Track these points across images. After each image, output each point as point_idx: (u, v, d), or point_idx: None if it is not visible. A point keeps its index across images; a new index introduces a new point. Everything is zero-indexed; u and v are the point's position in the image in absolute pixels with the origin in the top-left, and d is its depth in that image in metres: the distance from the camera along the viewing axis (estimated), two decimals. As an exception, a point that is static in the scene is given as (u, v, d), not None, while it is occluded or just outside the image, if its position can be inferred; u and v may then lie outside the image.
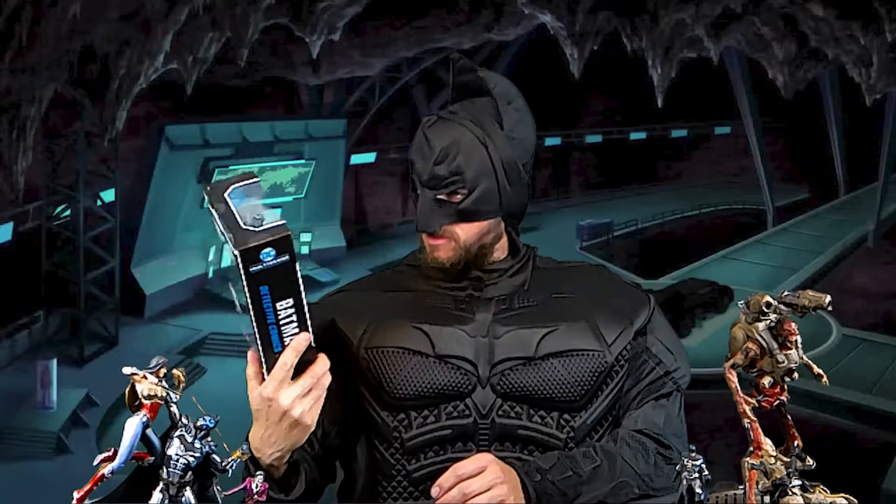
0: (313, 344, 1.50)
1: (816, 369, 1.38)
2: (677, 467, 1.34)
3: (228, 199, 1.47)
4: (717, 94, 18.05)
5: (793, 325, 1.37)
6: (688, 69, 12.26)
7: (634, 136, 21.11)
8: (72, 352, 13.92)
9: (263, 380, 1.52)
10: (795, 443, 1.37)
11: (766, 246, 18.88)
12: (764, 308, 1.36)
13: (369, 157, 18.79)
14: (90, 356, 14.06)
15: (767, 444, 1.34)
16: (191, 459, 1.34)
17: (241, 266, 1.43)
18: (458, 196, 1.74)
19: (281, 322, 1.47)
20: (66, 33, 9.48)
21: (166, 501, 1.33)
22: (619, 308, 1.80)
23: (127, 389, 1.36)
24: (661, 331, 1.83)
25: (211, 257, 16.07)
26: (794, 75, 12.21)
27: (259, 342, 1.48)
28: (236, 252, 1.43)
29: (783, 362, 1.36)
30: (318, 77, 15.11)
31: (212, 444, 1.36)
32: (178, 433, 1.35)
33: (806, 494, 1.32)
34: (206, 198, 1.51)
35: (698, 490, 1.32)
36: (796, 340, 1.36)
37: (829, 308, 1.34)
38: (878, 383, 13.53)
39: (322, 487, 1.78)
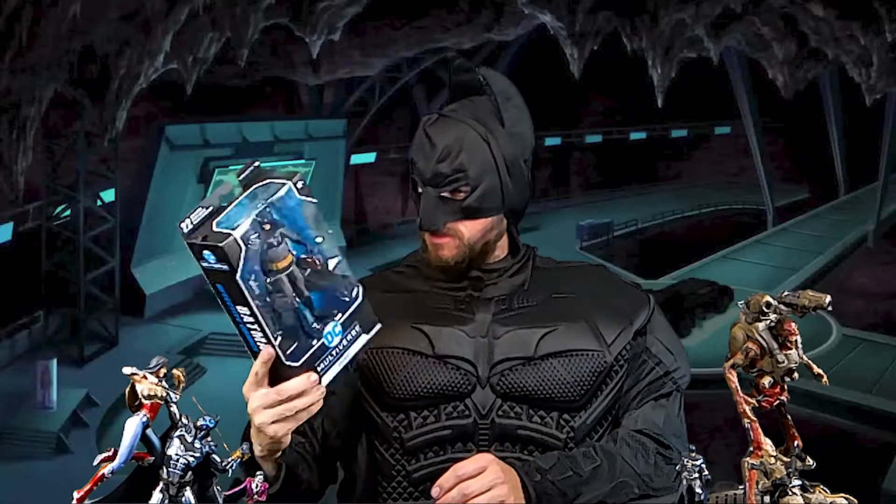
0: (286, 363, 1.47)
1: (816, 369, 1.38)
2: (677, 467, 1.34)
3: (244, 192, 1.47)
4: (717, 94, 18.06)
5: (793, 325, 1.37)
6: (688, 69, 12.26)
7: (634, 136, 21.11)
8: (72, 352, 13.92)
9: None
10: (795, 443, 1.37)
11: (766, 246, 18.88)
12: (764, 308, 1.36)
13: (369, 157, 18.80)
14: (90, 356, 14.06)
15: (767, 444, 1.34)
16: (191, 459, 1.34)
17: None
18: (462, 193, 1.74)
19: (248, 325, 1.46)
20: (66, 33, 9.48)
21: (166, 501, 1.33)
22: (619, 308, 1.80)
23: (127, 389, 1.36)
24: (661, 331, 1.83)
25: (210, 259, 16.05)
26: (794, 75, 12.21)
27: (241, 337, 1.49)
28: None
29: (783, 362, 1.36)
30: (318, 77, 15.11)
31: (212, 444, 1.36)
32: (178, 433, 1.35)
33: (806, 494, 1.32)
34: (243, 174, 1.50)
35: (698, 490, 1.32)
36: (796, 340, 1.36)
37: (829, 308, 1.34)
38: (878, 383, 13.53)
39: (323, 488, 1.78)
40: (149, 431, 1.34)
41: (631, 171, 20.96)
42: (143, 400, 1.35)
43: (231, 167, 16.24)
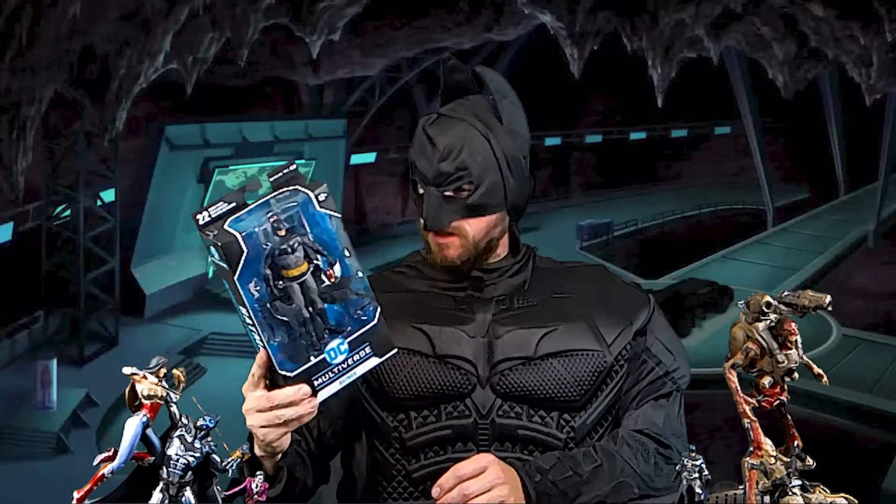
0: (279, 371, 1.46)
1: (816, 369, 1.38)
2: (677, 467, 1.34)
3: (273, 192, 1.47)
4: (717, 94, 18.04)
5: (793, 325, 1.37)
6: (688, 69, 12.25)
7: (634, 136, 21.10)
8: (72, 352, 13.91)
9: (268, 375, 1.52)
10: (795, 443, 1.37)
11: (766, 246, 18.87)
12: (764, 308, 1.36)
13: (369, 157, 18.78)
14: (90, 356, 14.05)
15: (767, 444, 1.34)
16: (191, 459, 1.34)
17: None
18: (465, 192, 1.74)
19: (248, 325, 1.46)
20: (66, 33, 9.47)
21: (166, 501, 1.33)
22: (619, 308, 1.80)
23: (127, 389, 1.36)
24: (661, 331, 1.83)
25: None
26: (794, 75, 12.20)
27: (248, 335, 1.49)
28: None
29: (783, 362, 1.36)
30: (318, 77, 15.11)
31: (212, 444, 1.36)
32: (178, 433, 1.35)
33: (806, 494, 1.32)
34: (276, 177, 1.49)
35: (698, 490, 1.32)
36: (796, 340, 1.36)
37: (829, 308, 1.34)
38: (878, 383, 13.52)
39: (314, 488, 1.78)
40: (149, 431, 1.34)
41: (631, 171, 20.94)
42: (143, 400, 1.35)
43: (231, 167, 16.25)
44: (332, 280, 1.47)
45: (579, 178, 21.39)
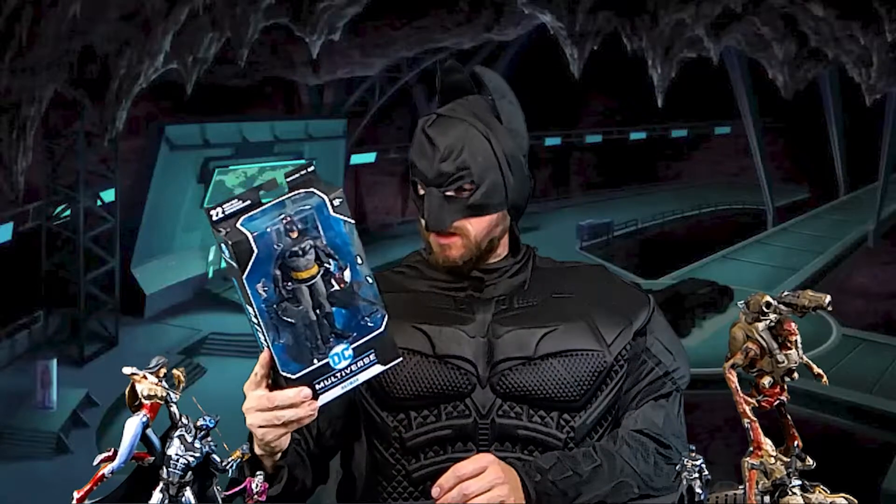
0: (282, 372, 1.46)
1: (816, 369, 1.38)
2: (677, 467, 1.34)
3: (288, 193, 1.46)
4: (717, 94, 18.03)
5: (793, 325, 1.37)
6: (688, 69, 12.25)
7: (634, 136, 21.09)
8: (72, 352, 13.91)
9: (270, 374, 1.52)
10: (795, 443, 1.37)
11: (766, 246, 18.87)
12: (764, 308, 1.36)
13: (369, 157, 18.78)
14: (90, 356, 14.05)
15: (767, 444, 1.34)
16: (191, 459, 1.34)
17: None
18: (466, 191, 1.74)
19: (254, 324, 1.46)
20: (66, 33, 9.47)
21: (166, 501, 1.33)
22: (619, 308, 1.80)
23: (127, 389, 1.36)
24: (661, 331, 1.83)
25: (211, 257, 16.07)
26: (794, 75, 12.20)
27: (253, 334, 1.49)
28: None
29: (783, 362, 1.36)
30: (318, 77, 15.10)
31: (212, 444, 1.36)
32: (178, 433, 1.35)
33: (806, 494, 1.32)
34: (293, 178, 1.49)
35: (698, 490, 1.32)
36: (796, 340, 1.36)
37: (829, 308, 1.34)
38: (878, 383, 13.52)
39: (313, 488, 1.78)
40: (149, 431, 1.34)
41: (631, 171, 20.93)
42: (143, 400, 1.35)
43: (231, 167, 16.25)
44: (342, 285, 1.47)
45: (579, 178, 21.38)
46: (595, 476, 1.70)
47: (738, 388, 1.34)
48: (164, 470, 1.33)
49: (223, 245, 1.43)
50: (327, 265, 1.46)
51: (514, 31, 14.02)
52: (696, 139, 21.55)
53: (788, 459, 1.34)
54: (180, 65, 10.64)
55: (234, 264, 1.42)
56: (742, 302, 1.39)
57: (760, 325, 1.36)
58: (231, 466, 1.38)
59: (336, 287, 1.47)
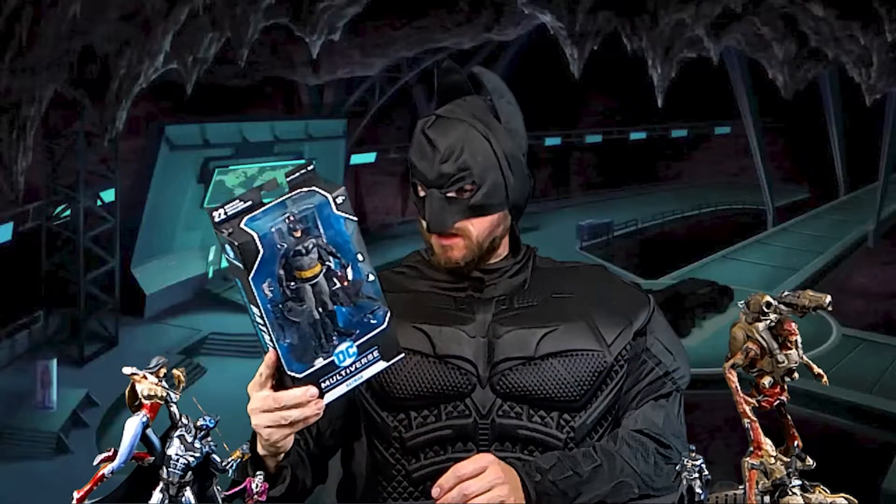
0: (288, 372, 1.46)
1: (816, 369, 1.38)
2: (677, 467, 1.34)
3: (289, 193, 1.46)
4: (717, 94, 18.03)
5: (793, 325, 1.37)
6: (688, 69, 12.25)
7: (634, 136, 21.09)
8: (72, 352, 13.91)
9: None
10: (795, 443, 1.37)
11: (766, 246, 18.87)
12: (764, 308, 1.36)
13: (369, 157, 18.78)
14: (90, 356, 14.05)
15: (767, 444, 1.34)
16: (191, 459, 1.34)
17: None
18: (467, 192, 1.74)
19: (259, 325, 1.46)
20: (66, 33, 9.47)
21: (166, 501, 1.33)
22: (619, 308, 1.81)
23: (127, 389, 1.36)
24: (661, 331, 1.83)
25: (211, 257, 16.07)
26: (794, 75, 12.20)
27: (257, 335, 1.49)
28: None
29: (783, 362, 1.36)
30: (318, 77, 15.10)
31: (212, 444, 1.36)
32: (178, 433, 1.35)
33: (806, 494, 1.31)
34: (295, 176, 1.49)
35: (698, 490, 1.32)
36: (796, 340, 1.36)
37: (829, 308, 1.34)
38: (878, 383, 13.52)
39: (312, 488, 1.78)
40: (149, 431, 1.34)
41: (631, 171, 20.93)
42: (143, 400, 1.35)
43: (231, 167, 16.25)
44: (345, 283, 1.47)
45: (579, 178, 21.38)
46: (595, 476, 1.70)
47: (738, 388, 1.34)
48: (164, 470, 1.33)
49: (227, 246, 1.43)
50: (329, 263, 1.46)
51: (514, 31, 14.01)
52: (696, 139, 21.54)
53: (788, 459, 1.34)
54: (180, 65, 10.64)
55: (240, 265, 1.42)
56: (742, 302, 1.39)
57: (760, 325, 1.36)
58: (231, 466, 1.38)
59: (339, 285, 1.47)
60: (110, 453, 1.34)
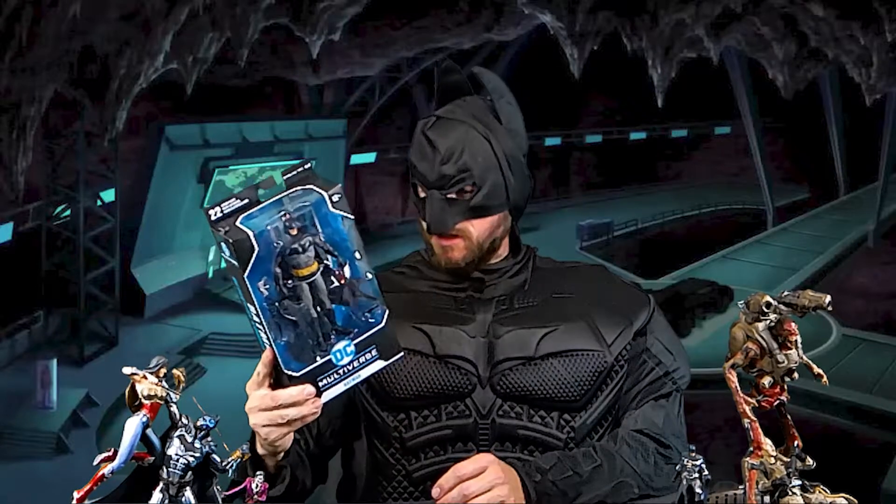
0: (285, 371, 1.46)
1: (816, 369, 1.38)
2: (677, 467, 1.34)
3: (286, 191, 1.46)
4: (717, 94, 18.03)
5: (793, 325, 1.37)
6: (688, 69, 12.25)
7: (634, 136, 21.08)
8: (72, 352, 13.91)
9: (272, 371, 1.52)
10: (795, 443, 1.37)
11: (766, 246, 18.86)
12: (764, 308, 1.36)
13: (369, 157, 18.78)
14: (90, 356, 14.05)
15: (767, 444, 1.34)
16: (191, 459, 1.34)
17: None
18: (468, 193, 1.74)
19: (255, 323, 1.46)
20: (66, 33, 9.47)
21: (166, 501, 1.33)
22: (619, 308, 1.81)
23: (127, 389, 1.36)
24: (661, 331, 1.83)
25: (211, 257, 16.07)
26: (794, 75, 12.20)
27: (254, 333, 1.49)
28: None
29: (783, 362, 1.36)
30: (318, 77, 15.10)
31: (212, 444, 1.36)
32: (178, 433, 1.35)
33: (806, 494, 1.32)
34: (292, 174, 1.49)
35: (698, 490, 1.32)
36: (796, 340, 1.36)
37: (829, 308, 1.34)
38: (878, 383, 13.52)
39: (312, 488, 1.77)
40: (149, 431, 1.34)
41: (631, 171, 20.93)
42: (143, 400, 1.35)
43: (231, 167, 16.25)
44: (342, 281, 1.47)
45: (579, 178, 21.38)
46: (595, 476, 1.70)
47: (738, 388, 1.34)
48: (164, 470, 1.33)
49: (223, 244, 1.42)
50: (327, 262, 1.46)
51: (514, 31, 14.01)
52: (696, 139, 21.54)
53: (788, 459, 1.34)
54: (180, 65, 10.64)
55: (235, 263, 1.42)
56: (742, 302, 1.39)
57: (760, 325, 1.36)
58: (231, 466, 1.38)
59: (336, 283, 1.46)
60: (110, 453, 1.34)
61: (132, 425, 1.33)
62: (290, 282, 1.43)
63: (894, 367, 14.08)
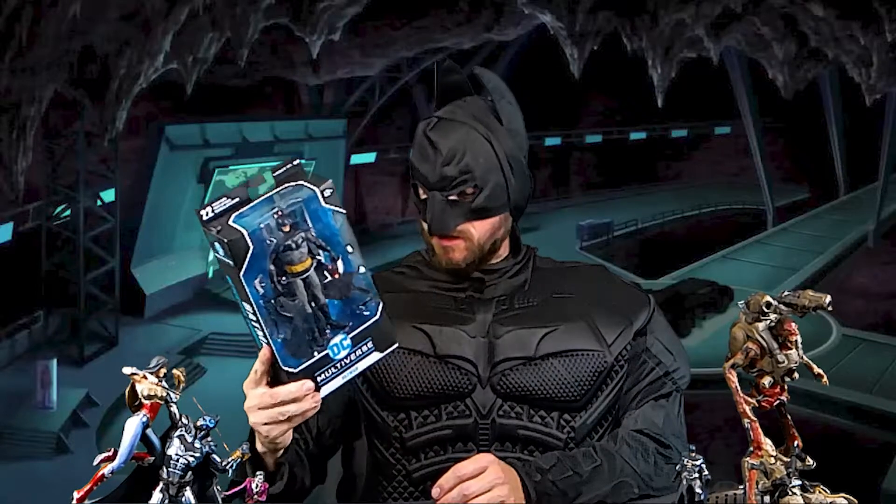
0: (283, 367, 1.47)
1: (816, 369, 1.38)
2: (677, 467, 1.34)
3: (276, 188, 1.46)
4: (717, 94, 18.03)
5: (793, 325, 1.37)
6: (688, 69, 12.25)
7: (634, 136, 21.08)
8: (72, 352, 13.91)
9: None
10: (795, 443, 1.37)
11: (766, 246, 18.86)
12: (764, 308, 1.36)
13: (369, 157, 18.78)
14: (90, 356, 14.05)
15: (767, 444, 1.34)
16: (191, 459, 1.34)
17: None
18: (469, 194, 1.74)
19: (251, 322, 1.46)
20: (66, 33, 9.47)
21: (166, 501, 1.33)
22: (619, 308, 1.81)
23: (127, 389, 1.36)
24: (661, 331, 1.83)
25: (211, 257, 16.06)
26: (794, 75, 12.20)
27: (249, 332, 1.49)
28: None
29: (783, 362, 1.36)
30: (318, 77, 15.10)
31: (212, 444, 1.36)
32: (178, 433, 1.35)
33: (806, 494, 1.31)
34: (280, 171, 1.49)
35: (698, 490, 1.32)
36: (796, 340, 1.36)
37: (829, 308, 1.34)
38: (878, 383, 13.52)
39: (311, 488, 1.77)
40: (149, 431, 1.34)
41: (631, 171, 20.93)
42: (143, 400, 1.35)
43: (231, 167, 16.25)
44: (335, 276, 1.47)
45: (579, 178, 21.38)
46: (595, 476, 1.70)
47: (738, 388, 1.34)
48: (164, 470, 1.33)
49: (217, 244, 1.42)
50: (319, 257, 1.46)
51: (514, 31, 14.01)
52: (696, 139, 21.54)
53: (788, 459, 1.34)
54: (180, 65, 10.64)
55: (231, 262, 1.42)
56: (742, 302, 1.39)
57: (760, 325, 1.36)
58: (231, 466, 1.38)
59: (330, 278, 1.47)
60: (110, 453, 1.34)
61: (132, 425, 1.33)
62: (284, 279, 1.44)
63: (894, 367, 14.08)
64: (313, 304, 1.46)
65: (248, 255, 1.41)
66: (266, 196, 1.46)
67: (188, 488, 1.34)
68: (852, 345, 14.64)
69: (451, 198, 1.74)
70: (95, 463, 1.34)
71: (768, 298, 1.36)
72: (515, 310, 1.77)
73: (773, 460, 1.33)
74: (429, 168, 1.74)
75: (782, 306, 1.36)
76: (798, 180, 20.30)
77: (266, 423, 1.50)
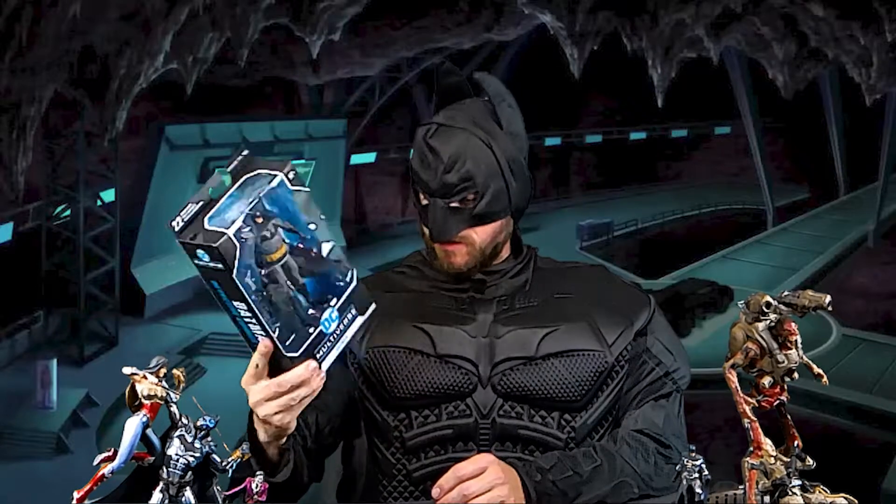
0: (286, 354, 1.47)
1: (816, 369, 1.38)
2: (677, 467, 1.34)
3: (234, 183, 1.46)
4: (717, 94, 18.03)
5: (793, 325, 1.37)
6: (688, 69, 12.25)
7: (634, 136, 21.09)
8: (72, 352, 13.91)
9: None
10: (795, 443, 1.37)
11: (766, 246, 18.87)
12: (764, 308, 1.36)
13: (369, 157, 18.78)
14: (90, 356, 14.05)
15: (767, 444, 1.34)
16: (191, 459, 1.34)
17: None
18: (471, 201, 1.74)
19: (245, 319, 1.46)
20: (66, 33, 9.47)
21: (166, 501, 1.33)
22: (620, 308, 1.81)
23: (127, 389, 1.36)
24: (662, 331, 1.83)
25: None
26: (794, 75, 12.19)
27: (239, 331, 1.49)
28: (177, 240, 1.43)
29: (783, 362, 1.36)
30: (318, 77, 15.10)
31: (212, 444, 1.36)
32: (178, 433, 1.34)
33: (806, 494, 1.31)
34: (230, 166, 1.49)
35: (698, 490, 1.32)
36: (796, 340, 1.36)
37: (829, 308, 1.34)
38: (878, 383, 13.52)
39: (308, 484, 1.77)
40: (149, 431, 1.34)
41: (631, 171, 20.93)
42: (143, 400, 1.34)
43: (231, 167, 16.26)
44: (308, 255, 1.48)
45: (579, 178, 21.38)
46: (595, 476, 1.70)
47: (738, 388, 1.34)
48: (164, 470, 1.33)
49: (199, 251, 1.42)
50: (290, 241, 1.46)
51: (514, 31, 14.01)
52: (696, 139, 21.54)
53: (788, 459, 1.34)
54: (180, 65, 10.64)
55: (220, 266, 1.41)
56: (742, 302, 1.39)
57: (760, 325, 1.36)
58: (231, 466, 1.38)
59: (303, 258, 1.47)
60: (110, 453, 1.34)
61: (132, 425, 1.33)
62: (264, 270, 1.44)
63: (894, 367, 14.09)
64: (295, 287, 1.46)
65: (237, 255, 1.41)
66: (230, 192, 1.45)
67: (188, 488, 1.34)
68: (852, 345, 14.64)
69: (453, 204, 1.74)
70: (95, 463, 1.34)
71: (768, 298, 1.36)
72: (516, 310, 1.77)
73: (773, 460, 1.33)
74: (429, 175, 1.74)
75: (782, 306, 1.36)
76: (798, 180, 20.30)
77: (278, 412, 1.50)
